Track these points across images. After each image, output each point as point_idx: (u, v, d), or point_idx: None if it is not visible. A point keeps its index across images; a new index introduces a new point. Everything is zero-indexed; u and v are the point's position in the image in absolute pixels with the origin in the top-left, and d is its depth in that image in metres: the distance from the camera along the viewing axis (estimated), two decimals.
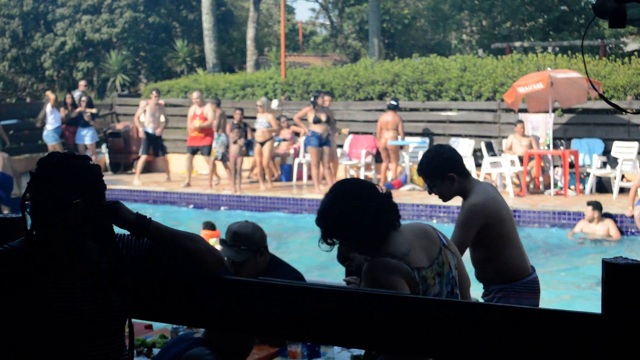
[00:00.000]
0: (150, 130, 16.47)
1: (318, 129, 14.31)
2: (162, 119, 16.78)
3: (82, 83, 18.90)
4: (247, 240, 4.52)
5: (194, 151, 15.90)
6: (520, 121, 14.61)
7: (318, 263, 11.23)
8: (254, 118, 17.10)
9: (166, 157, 17.19)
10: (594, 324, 2.05)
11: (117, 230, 2.60)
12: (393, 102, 15.43)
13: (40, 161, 2.50)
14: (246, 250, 4.49)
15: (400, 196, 14.19)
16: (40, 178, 2.45)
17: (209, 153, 15.78)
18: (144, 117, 16.70)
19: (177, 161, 18.25)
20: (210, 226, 10.10)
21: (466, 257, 4.97)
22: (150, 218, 2.55)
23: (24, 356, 2.49)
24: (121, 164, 18.64)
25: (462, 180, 4.79)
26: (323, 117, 14.28)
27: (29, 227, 2.49)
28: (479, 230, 4.72)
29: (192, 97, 16.17)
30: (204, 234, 9.52)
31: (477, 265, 4.88)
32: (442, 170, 4.73)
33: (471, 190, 4.84)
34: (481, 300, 4.82)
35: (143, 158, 16.52)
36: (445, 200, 4.88)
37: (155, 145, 16.64)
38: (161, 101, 17.07)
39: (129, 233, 2.64)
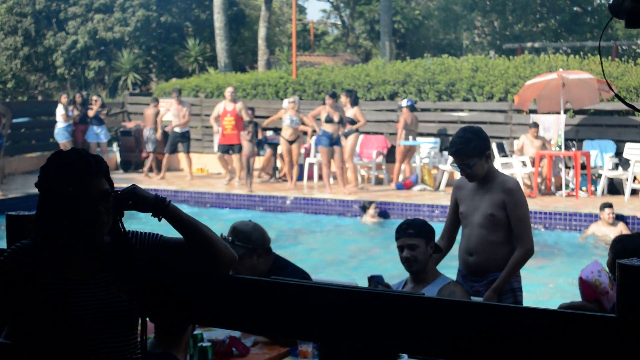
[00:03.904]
0: (178, 130, 16.61)
1: (329, 128, 14.29)
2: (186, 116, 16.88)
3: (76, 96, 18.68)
4: (244, 237, 4.54)
5: (226, 149, 15.89)
6: (536, 124, 14.53)
7: (329, 262, 11.24)
8: (265, 117, 17.13)
9: (181, 154, 17.18)
10: (608, 326, 2.03)
11: (129, 227, 2.62)
12: (411, 103, 15.41)
13: (66, 157, 2.49)
14: (241, 247, 4.50)
15: (410, 197, 14.18)
16: (91, 173, 2.46)
17: (239, 151, 15.74)
18: (171, 117, 16.86)
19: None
20: None
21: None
22: (169, 200, 2.57)
23: (38, 353, 2.49)
24: (132, 163, 18.67)
25: (491, 161, 4.91)
26: (336, 117, 14.26)
27: (57, 224, 2.48)
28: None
29: (225, 94, 16.14)
30: None
31: (491, 247, 4.88)
32: (482, 148, 4.81)
33: (495, 171, 4.97)
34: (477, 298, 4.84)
35: (167, 157, 16.85)
36: (473, 180, 4.93)
37: (183, 143, 16.77)
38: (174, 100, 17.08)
39: (142, 231, 2.65)
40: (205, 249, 2.56)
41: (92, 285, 2.50)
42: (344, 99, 14.98)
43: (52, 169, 2.49)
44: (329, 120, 14.26)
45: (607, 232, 11.80)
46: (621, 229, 11.77)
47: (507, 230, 4.88)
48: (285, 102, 16.28)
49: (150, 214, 2.58)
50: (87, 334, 2.46)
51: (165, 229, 2.72)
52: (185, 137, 16.69)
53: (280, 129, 16.93)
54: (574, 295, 9.84)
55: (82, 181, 2.45)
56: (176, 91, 16.90)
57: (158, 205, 2.55)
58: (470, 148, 4.78)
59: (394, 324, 2.29)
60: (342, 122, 14.50)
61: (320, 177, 16.21)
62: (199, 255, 2.57)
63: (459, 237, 5.22)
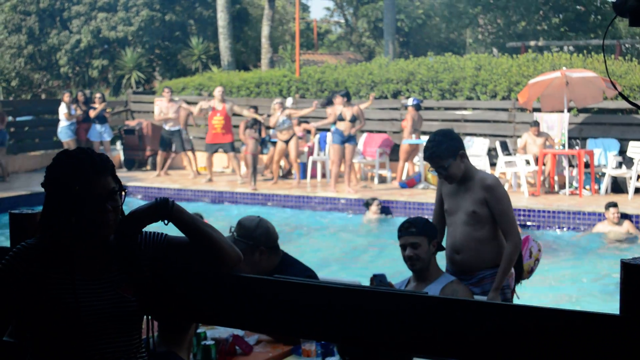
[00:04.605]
0: (167, 128, 16.64)
1: (341, 126, 14.33)
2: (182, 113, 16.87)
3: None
4: (246, 233, 4.51)
5: (214, 149, 15.93)
6: (537, 123, 14.52)
7: (332, 260, 11.24)
8: (269, 116, 17.14)
9: (187, 153, 17.16)
10: (613, 325, 2.03)
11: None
12: (417, 102, 15.41)
13: (73, 156, 2.49)
14: (241, 242, 4.48)
15: (414, 195, 14.17)
16: (97, 171, 2.47)
17: (232, 149, 15.79)
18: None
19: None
20: None
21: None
22: (173, 201, 2.57)
23: (42, 352, 2.49)
24: (135, 161, 18.69)
25: (467, 160, 4.96)
26: (347, 116, 14.31)
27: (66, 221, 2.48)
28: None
29: (214, 93, 16.18)
30: None
31: (477, 244, 4.92)
32: (454, 149, 4.87)
33: (473, 169, 5.02)
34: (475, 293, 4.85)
35: (161, 154, 16.91)
36: (452, 182, 4.99)
37: (175, 141, 16.75)
38: (165, 97, 17.06)
39: (147, 230, 2.65)
40: (209, 249, 2.56)
41: (98, 284, 2.50)
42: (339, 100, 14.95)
43: (59, 169, 2.48)
44: (340, 118, 14.31)
45: (613, 231, 11.79)
46: (627, 228, 11.75)
47: (491, 227, 4.92)
48: (289, 101, 16.35)
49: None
50: (92, 333, 2.46)
51: (170, 229, 2.72)
52: (176, 135, 16.68)
53: None
54: (576, 294, 9.83)
55: (88, 180, 2.45)
56: (168, 89, 16.97)
57: (162, 207, 2.56)
58: (442, 150, 4.86)
59: (396, 323, 2.28)
60: (357, 120, 14.55)
61: (323, 175, 16.23)
62: (203, 254, 2.57)
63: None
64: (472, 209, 4.91)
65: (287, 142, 15.40)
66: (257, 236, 4.52)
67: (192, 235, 2.58)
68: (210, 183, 15.92)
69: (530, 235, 5.62)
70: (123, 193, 2.54)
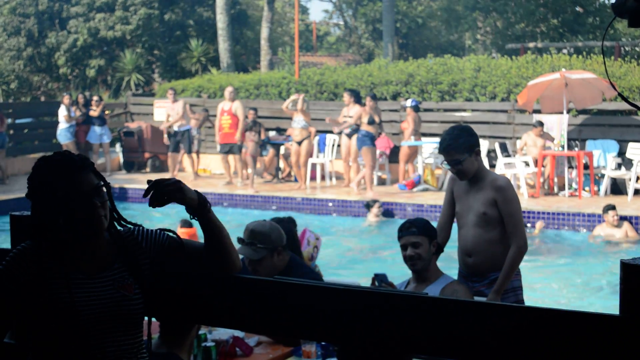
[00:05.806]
0: (176, 128, 16.70)
1: (372, 129, 14.36)
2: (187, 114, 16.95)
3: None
4: (264, 239, 4.54)
5: (226, 149, 15.90)
6: (541, 123, 14.48)
7: (333, 262, 11.23)
8: (268, 118, 17.15)
9: (192, 155, 17.14)
10: (612, 325, 2.03)
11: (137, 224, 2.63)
12: (416, 103, 15.42)
13: (51, 159, 2.50)
14: (263, 249, 4.52)
15: (413, 197, 14.17)
16: (78, 169, 2.47)
17: (239, 151, 15.76)
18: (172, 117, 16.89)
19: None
20: (187, 224, 10.07)
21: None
22: (210, 205, 2.60)
23: (43, 353, 2.49)
24: (135, 163, 18.69)
25: (480, 159, 4.92)
26: (377, 119, 14.38)
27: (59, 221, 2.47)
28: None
29: (224, 93, 16.22)
30: (181, 232, 9.44)
31: (488, 246, 4.90)
32: (471, 144, 4.84)
33: (485, 170, 5.01)
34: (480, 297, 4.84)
35: (170, 156, 16.99)
36: (464, 178, 4.94)
37: (184, 141, 16.78)
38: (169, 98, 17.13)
39: (149, 228, 2.65)
40: (222, 255, 2.57)
41: (98, 283, 2.50)
42: (347, 99, 15.00)
43: (40, 175, 2.49)
44: (371, 121, 14.33)
45: (612, 233, 11.78)
46: (626, 229, 11.74)
47: (502, 228, 4.89)
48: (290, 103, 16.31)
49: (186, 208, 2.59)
50: (92, 333, 2.46)
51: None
52: (184, 135, 16.69)
53: (284, 130, 16.95)
54: (576, 295, 9.83)
55: (71, 179, 2.46)
56: (172, 90, 17.07)
57: (201, 207, 2.56)
58: (459, 144, 4.81)
59: (396, 323, 2.29)
60: (380, 124, 14.64)
61: (323, 177, 16.21)
62: (212, 259, 2.58)
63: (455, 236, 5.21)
64: (482, 210, 4.88)
65: (299, 143, 15.31)
66: (274, 239, 4.59)
67: (211, 239, 2.58)
68: (210, 185, 15.92)
69: (307, 227, 6.20)
70: (107, 187, 2.54)
